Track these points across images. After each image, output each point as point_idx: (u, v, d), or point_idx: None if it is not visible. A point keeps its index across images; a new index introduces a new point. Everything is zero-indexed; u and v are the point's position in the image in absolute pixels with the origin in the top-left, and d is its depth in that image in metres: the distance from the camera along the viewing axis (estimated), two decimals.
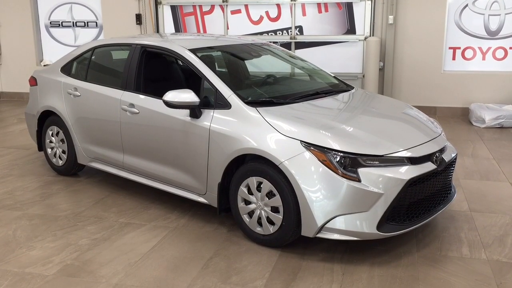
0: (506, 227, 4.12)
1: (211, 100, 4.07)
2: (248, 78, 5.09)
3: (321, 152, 3.46)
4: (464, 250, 3.74)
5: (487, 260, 3.59)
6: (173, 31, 9.38)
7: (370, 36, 8.52)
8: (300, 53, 8.92)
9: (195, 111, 4.03)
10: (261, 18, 8.97)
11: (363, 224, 3.43)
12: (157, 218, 4.36)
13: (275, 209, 3.67)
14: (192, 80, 4.70)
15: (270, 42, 5.66)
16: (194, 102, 3.96)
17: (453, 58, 8.51)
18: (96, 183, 5.25)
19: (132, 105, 4.52)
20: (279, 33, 8.96)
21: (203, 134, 3.99)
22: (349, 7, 8.59)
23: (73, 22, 10.08)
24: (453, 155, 4.01)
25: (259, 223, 3.79)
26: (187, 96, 3.96)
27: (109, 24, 9.72)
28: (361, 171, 3.43)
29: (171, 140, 4.24)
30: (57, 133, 5.39)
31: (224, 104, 3.97)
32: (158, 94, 4.25)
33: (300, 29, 8.88)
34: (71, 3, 9.99)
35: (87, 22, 10.02)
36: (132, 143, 4.60)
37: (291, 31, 8.90)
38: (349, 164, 3.44)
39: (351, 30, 8.68)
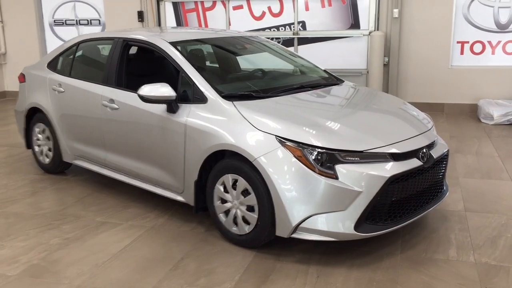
0: (500, 228, 3.86)
1: (189, 95, 3.91)
2: (233, 72, 4.90)
3: (297, 147, 3.27)
4: (451, 252, 3.51)
5: (475, 262, 3.35)
6: None
7: (374, 30, 8.26)
8: (303, 49, 8.73)
9: (171, 106, 3.88)
10: (263, 13, 8.79)
11: (339, 224, 3.23)
12: (136, 217, 4.21)
13: (250, 208, 3.49)
14: (174, 74, 4.55)
15: (268, 38, 5.47)
16: (170, 96, 3.81)
17: (461, 53, 8.20)
18: (81, 181, 5.14)
19: (112, 101, 4.39)
20: (282, 29, 8.76)
21: (179, 129, 3.83)
22: (353, 1, 8.34)
23: (76, 20, 10.04)
24: (443, 151, 3.77)
25: (235, 222, 3.62)
26: (163, 90, 3.80)
27: (111, 21, 9.64)
28: (339, 167, 3.23)
29: (149, 136, 4.09)
30: (43, 131, 5.30)
31: (200, 98, 3.81)
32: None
33: (303, 24, 8.67)
34: (74, 1, 9.94)
35: (90, 20, 9.97)
36: (113, 140, 4.47)
37: (293, 27, 8.69)
38: (326, 161, 3.24)
39: (355, 24, 8.44)
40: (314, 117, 3.58)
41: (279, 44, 5.22)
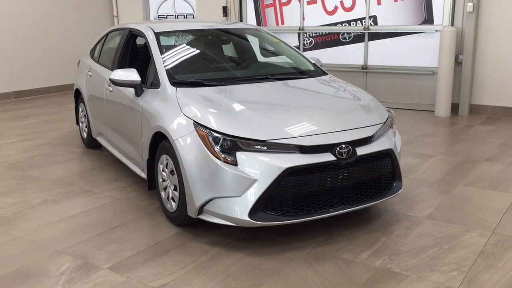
0: (445, 239, 3.54)
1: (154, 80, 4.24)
2: (212, 61, 4.96)
3: (204, 132, 3.42)
4: (363, 254, 3.34)
5: (376, 267, 3.17)
6: (255, 22, 9.59)
7: (449, 26, 7.68)
8: (373, 44, 8.46)
9: (136, 90, 4.25)
10: (336, 8, 8.69)
11: (235, 210, 3.30)
12: (116, 189, 4.67)
13: (175, 187, 3.71)
14: None
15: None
16: (135, 81, 4.18)
17: None
18: (104, 155, 5.77)
19: (110, 84, 4.90)
20: (353, 24, 8.58)
21: (139, 111, 4.19)
22: None
23: (175, 15, 10.93)
24: (378, 150, 3.57)
25: (169, 199, 3.87)
26: (129, 75, 4.19)
27: (201, 16, 10.33)
28: (240, 154, 3.30)
29: (125, 117, 4.53)
30: (83, 110, 6.05)
31: (157, 84, 4.12)
32: None
33: (374, 19, 8.39)
34: None
35: (186, 15, 10.78)
36: (110, 119, 5.00)
37: (365, 21, 8.46)
38: (228, 147, 3.34)
39: (428, 19, 7.94)
40: (237, 105, 3.66)
41: (277, 37, 5.24)
